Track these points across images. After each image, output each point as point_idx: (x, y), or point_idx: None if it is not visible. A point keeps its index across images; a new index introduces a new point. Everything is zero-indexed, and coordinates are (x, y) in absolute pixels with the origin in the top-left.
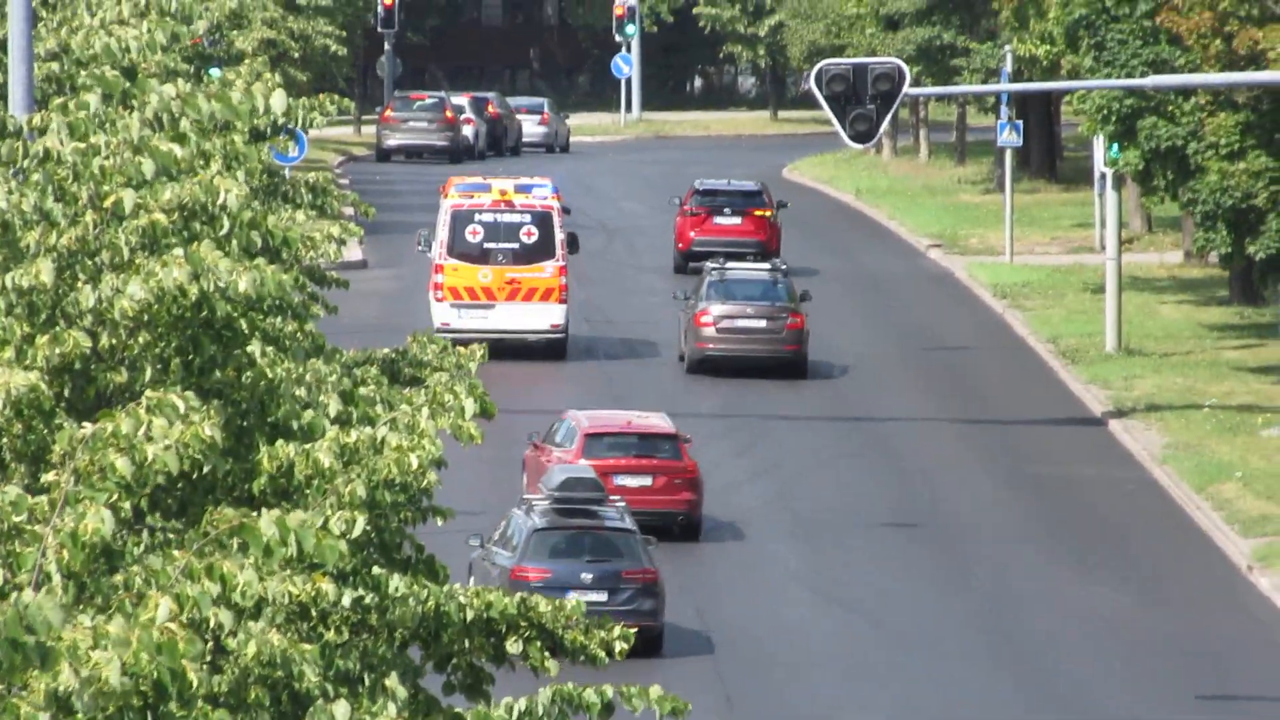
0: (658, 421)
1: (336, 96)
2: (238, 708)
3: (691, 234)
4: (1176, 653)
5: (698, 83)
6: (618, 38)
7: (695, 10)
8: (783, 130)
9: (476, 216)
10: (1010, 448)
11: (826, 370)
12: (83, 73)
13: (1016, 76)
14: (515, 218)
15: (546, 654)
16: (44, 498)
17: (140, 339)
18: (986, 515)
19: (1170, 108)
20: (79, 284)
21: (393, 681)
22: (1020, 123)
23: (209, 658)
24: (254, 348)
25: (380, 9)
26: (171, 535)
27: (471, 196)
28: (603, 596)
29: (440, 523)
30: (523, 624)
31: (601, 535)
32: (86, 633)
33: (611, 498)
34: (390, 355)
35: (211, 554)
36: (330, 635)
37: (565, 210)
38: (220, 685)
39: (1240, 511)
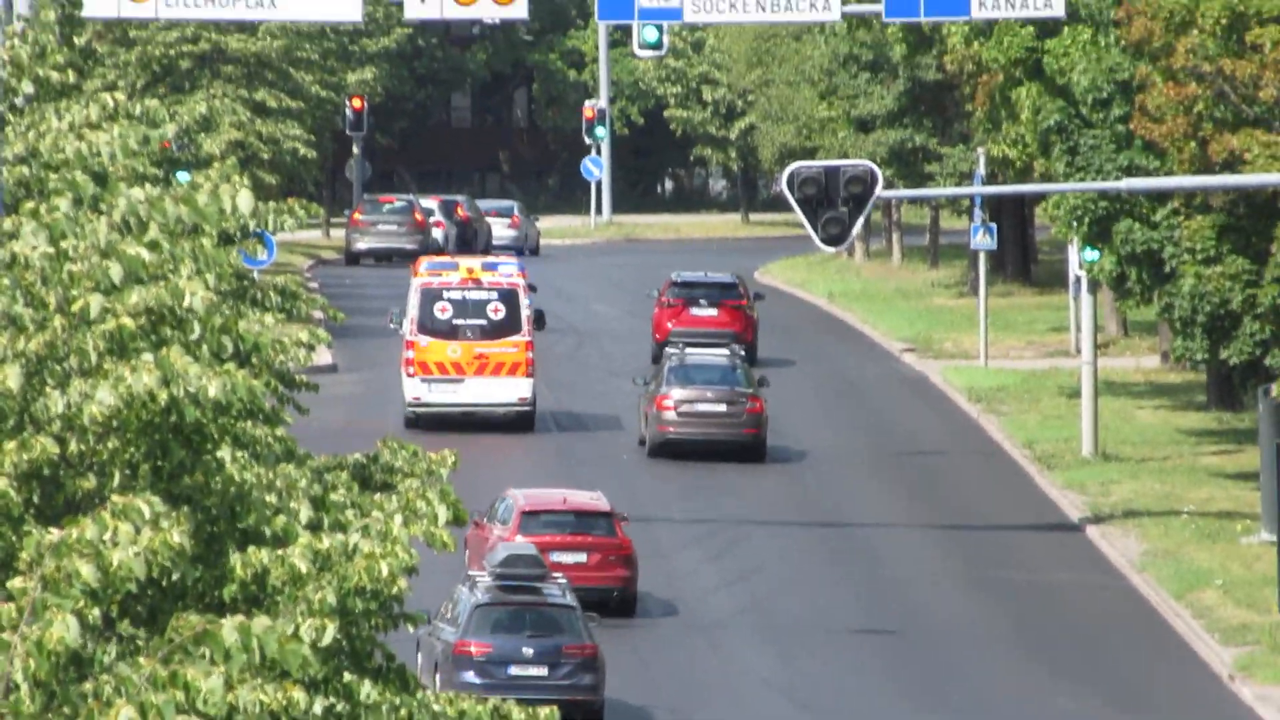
0: (593, 500)
1: (306, 201)
2: None
3: (669, 325)
4: None
5: (668, 185)
6: (587, 140)
7: (666, 113)
8: (754, 233)
9: (445, 294)
10: (986, 553)
11: (799, 473)
12: (53, 177)
13: (990, 179)
14: (482, 295)
15: None
16: (12, 605)
17: (109, 444)
18: (962, 621)
19: (1145, 210)
20: (47, 389)
21: None
22: (994, 225)
23: None
24: (224, 453)
25: (349, 112)
26: (141, 642)
27: (440, 275)
28: (543, 671)
29: (412, 629)
30: None
31: (543, 611)
32: None
33: (554, 575)
34: (361, 460)
35: (179, 661)
36: None
37: (531, 288)
38: None
39: (1221, 620)
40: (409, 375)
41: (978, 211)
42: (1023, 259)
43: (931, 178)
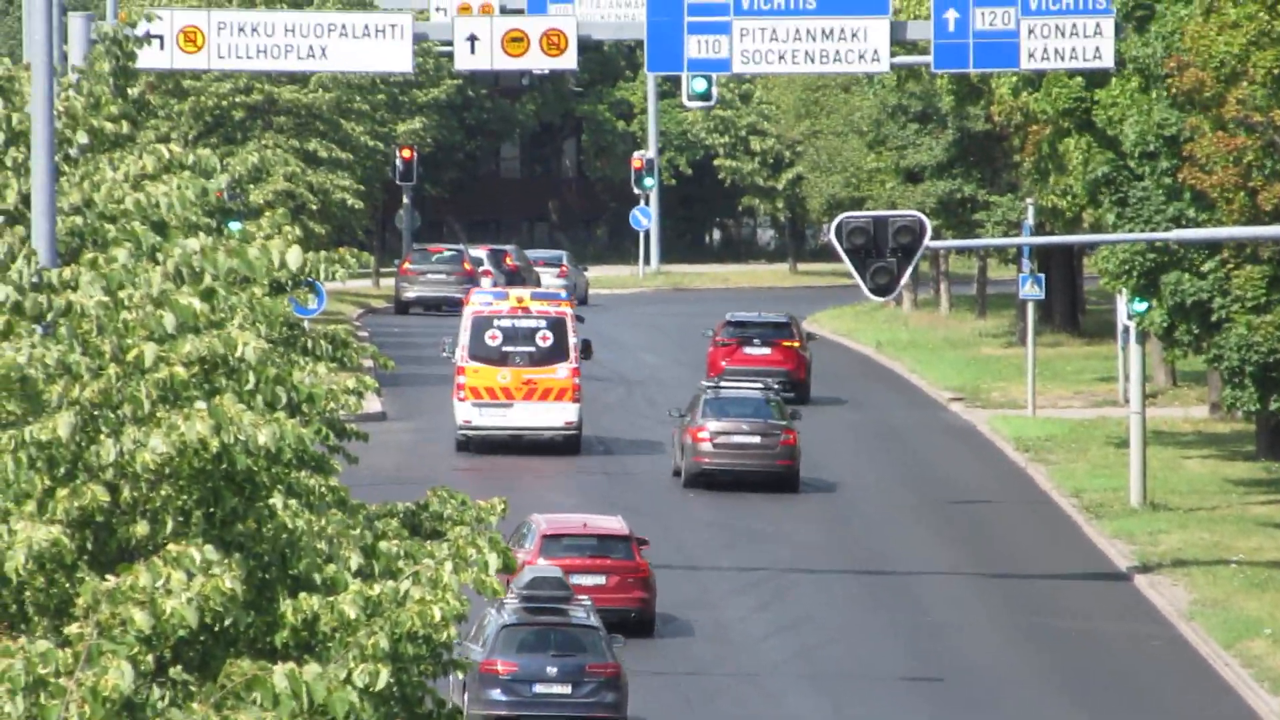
0: (613, 524)
1: (356, 250)
2: None
3: (723, 363)
4: None
5: (716, 235)
6: (636, 190)
7: (715, 162)
8: (802, 282)
9: (495, 322)
10: (1033, 602)
11: (847, 521)
12: (111, 228)
13: (1038, 229)
14: (531, 323)
15: None
16: (68, 650)
17: (162, 491)
18: (1009, 670)
19: (1195, 261)
20: (101, 437)
21: None
22: (1042, 275)
23: None
24: (275, 500)
25: (399, 162)
26: (193, 688)
27: (491, 304)
28: (567, 689)
29: (461, 676)
30: None
31: (567, 631)
32: None
33: (579, 597)
34: (411, 508)
35: (231, 707)
36: None
37: (579, 319)
38: None
39: (1270, 669)
40: (460, 400)
41: (1026, 261)
42: (1071, 309)
43: (980, 227)
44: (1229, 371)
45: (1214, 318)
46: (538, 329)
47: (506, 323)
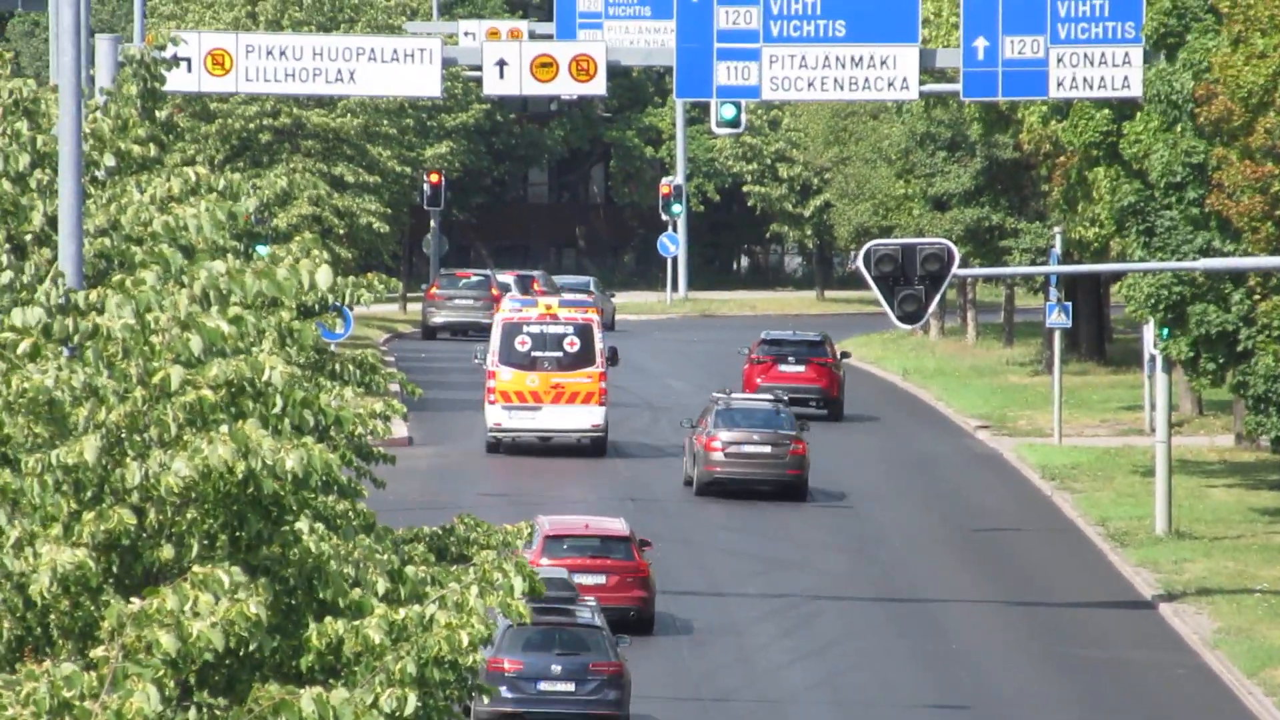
0: (614, 525)
1: (383, 276)
2: None
3: (758, 380)
4: None
5: (744, 262)
6: (664, 216)
7: (745, 189)
8: (829, 310)
9: (525, 328)
10: (1058, 630)
11: (872, 548)
12: (139, 250)
13: (1066, 258)
14: (559, 329)
15: None
16: (93, 674)
17: (187, 515)
18: (1033, 697)
19: (1225, 290)
20: (127, 460)
21: None
22: (1069, 304)
23: None
24: (302, 524)
25: (427, 187)
26: (219, 712)
27: (520, 311)
28: (570, 687)
29: (486, 700)
30: None
31: (572, 631)
32: None
33: (584, 598)
34: (437, 532)
35: None
36: None
37: (607, 328)
38: None
39: None
40: (490, 403)
41: (1053, 290)
42: (1098, 337)
43: (1008, 255)
44: (1253, 399)
45: (1240, 348)
46: (565, 335)
47: (535, 329)
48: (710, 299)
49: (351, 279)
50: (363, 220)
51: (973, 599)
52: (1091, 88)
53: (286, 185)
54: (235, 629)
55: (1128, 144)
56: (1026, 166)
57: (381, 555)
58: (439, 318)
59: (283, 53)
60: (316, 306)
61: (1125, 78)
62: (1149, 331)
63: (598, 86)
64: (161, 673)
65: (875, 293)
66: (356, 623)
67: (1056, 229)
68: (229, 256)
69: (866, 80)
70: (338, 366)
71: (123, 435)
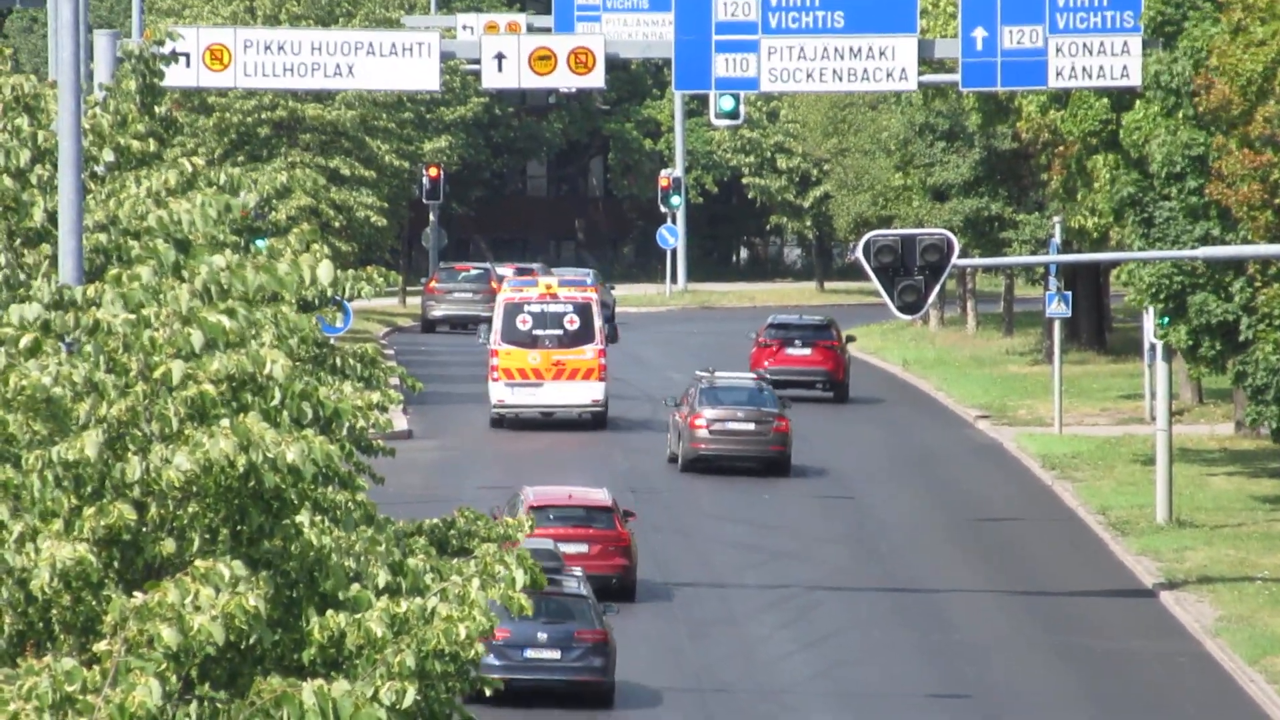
0: (596, 495)
1: (384, 269)
2: None
3: (766, 363)
4: None
5: (743, 254)
6: (663, 209)
7: (744, 180)
8: (829, 301)
9: (526, 308)
10: (1059, 619)
11: (872, 539)
12: (135, 245)
13: (1066, 247)
14: (559, 308)
15: None
16: (95, 668)
17: (189, 509)
18: (1035, 687)
19: (1226, 280)
20: (128, 455)
21: None
22: (1069, 294)
23: None
24: (303, 517)
25: (425, 180)
26: (220, 706)
27: (521, 290)
28: (556, 654)
29: (489, 693)
30: None
31: (558, 600)
32: None
33: (571, 568)
34: (439, 525)
35: None
36: None
37: (605, 306)
38: None
39: None
40: (494, 380)
41: (1053, 279)
42: (1097, 326)
43: (1007, 245)
44: (1253, 389)
45: (1240, 336)
46: (565, 313)
47: (536, 308)
48: (710, 291)
49: (351, 272)
50: (359, 214)
51: (973, 589)
52: (1091, 77)
53: (287, 180)
54: (235, 622)
55: (1127, 133)
56: (1025, 156)
57: (382, 547)
58: (438, 311)
59: (281, 48)
60: (316, 301)
61: (1124, 67)
62: (1149, 320)
63: (596, 79)
64: (163, 666)
65: (875, 283)
66: (358, 615)
67: (1056, 218)
68: (228, 251)
69: (865, 71)
70: (339, 361)
71: (124, 429)
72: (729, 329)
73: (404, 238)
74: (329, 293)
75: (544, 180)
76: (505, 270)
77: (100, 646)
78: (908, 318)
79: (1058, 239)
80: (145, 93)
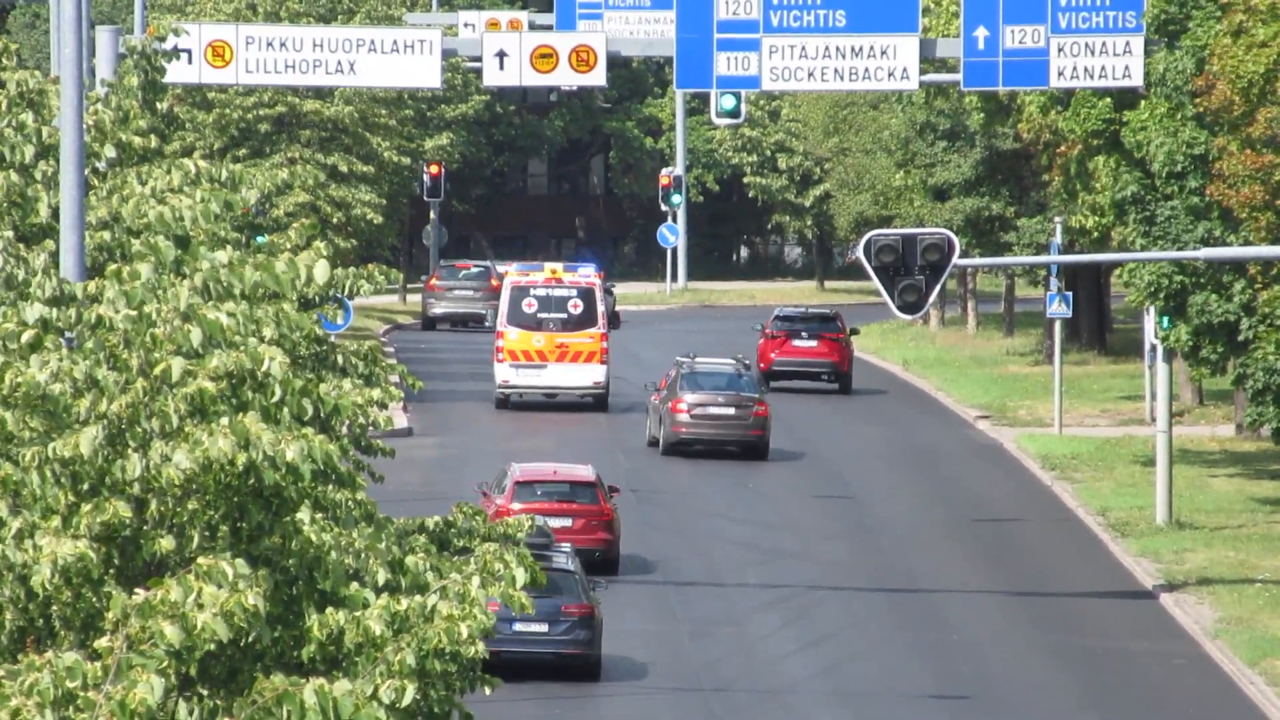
0: (581, 471)
1: (384, 267)
2: None
3: (772, 355)
4: None
5: (744, 252)
6: (664, 207)
7: (744, 179)
8: (829, 300)
9: (531, 291)
10: (1059, 620)
11: (873, 539)
12: (135, 241)
13: (1067, 248)
14: (564, 292)
15: None
16: (97, 664)
17: (188, 506)
18: (1034, 688)
19: (1227, 280)
20: (128, 452)
21: None
22: (1070, 294)
23: None
24: (302, 515)
25: (426, 178)
26: (219, 703)
27: (527, 275)
28: (544, 628)
29: (488, 692)
30: None
31: (546, 574)
32: None
33: (560, 544)
34: (439, 523)
35: None
36: None
37: (609, 291)
38: None
39: None
40: (499, 361)
41: (1054, 280)
42: (1098, 327)
43: (1008, 246)
44: (1254, 391)
45: (1241, 337)
46: (569, 298)
47: (541, 292)
48: (710, 289)
49: (352, 270)
50: (358, 211)
51: (973, 589)
52: (1093, 77)
53: (288, 177)
54: (234, 620)
55: (1130, 133)
56: (1027, 156)
57: (382, 545)
58: (439, 309)
59: (283, 44)
60: (316, 298)
61: (1126, 67)
62: (1149, 321)
63: (597, 77)
64: (165, 663)
65: (876, 283)
66: (358, 614)
67: (1057, 219)
68: (228, 248)
69: (867, 70)
70: (340, 359)
71: (124, 426)
72: (729, 327)
73: (405, 235)
74: (328, 290)
75: (545, 178)
76: (506, 268)
77: (101, 643)
78: (908, 317)
79: (1059, 239)
80: (147, 89)
